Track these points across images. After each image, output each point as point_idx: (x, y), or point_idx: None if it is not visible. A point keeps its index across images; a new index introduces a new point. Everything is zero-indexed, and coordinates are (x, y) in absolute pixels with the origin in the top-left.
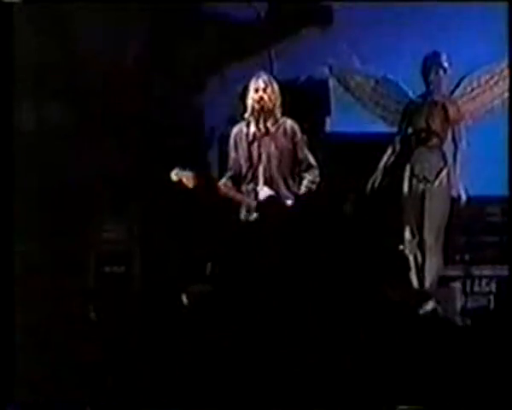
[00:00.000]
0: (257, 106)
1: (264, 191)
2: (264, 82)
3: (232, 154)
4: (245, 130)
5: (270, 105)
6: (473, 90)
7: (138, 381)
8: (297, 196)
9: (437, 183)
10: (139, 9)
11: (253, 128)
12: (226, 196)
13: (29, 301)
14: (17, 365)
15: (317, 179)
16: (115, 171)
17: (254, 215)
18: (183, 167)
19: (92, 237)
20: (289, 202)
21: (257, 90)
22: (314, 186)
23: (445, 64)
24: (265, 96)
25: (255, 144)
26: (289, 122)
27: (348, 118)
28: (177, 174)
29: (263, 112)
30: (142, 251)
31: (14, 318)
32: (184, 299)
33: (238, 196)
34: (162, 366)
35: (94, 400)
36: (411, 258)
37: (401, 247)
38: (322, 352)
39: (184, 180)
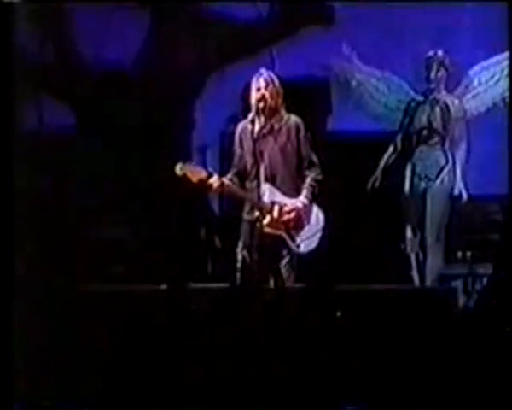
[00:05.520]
0: (259, 104)
1: (268, 189)
2: (266, 80)
3: (237, 150)
4: (250, 127)
5: (273, 103)
6: (474, 88)
7: (137, 381)
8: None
9: (438, 181)
10: (139, 8)
11: (257, 125)
12: (229, 193)
13: (28, 302)
14: (16, 365)
15: (320, 177)
16: (117, 170)
17: (259, 213)
18: (188, 162)
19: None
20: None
21: (258, 89)
22: (317, 185)
23: (447, 62)
24: (267, 94)
25: (260, 142)
26: (294, 119)
27: (349, 116)
28: (181, 168)
29: (266, 110)
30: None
31: (12, 318)
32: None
33: (241, 193)
34: (161, 368)
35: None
36: (413, 256)
37: (402, 245)
38: (323, 352)
39: (189, 174)
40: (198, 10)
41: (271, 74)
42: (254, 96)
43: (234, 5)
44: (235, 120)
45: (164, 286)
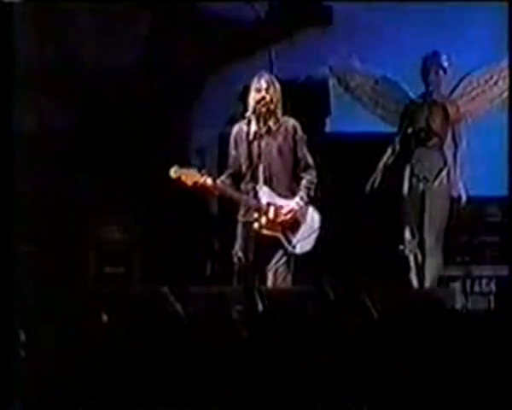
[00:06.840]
0: (259, 106)
1: (264, 191)
2: (267, 82)
3: (232, 152)
4: (245, 128)
5: (272, 106)
6: (472, 90)
7: (137, 383)
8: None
9: (437, 183)
10: (139, 8)
11: (253, 127)
12: (224, 195)
13: (28, 301)
14: (16, 366)
15: (315, 180)
16: (115, 172)
17: (255, 215)
18: (182, 165)
19: (92, 238)
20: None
21: (259, 91)
22: (312, 187)
23: (445, 64)
24: (267, 97)
25: (256, 143)
26: (291, 121)
27: (348, 118)
28: (176, 171)
29: (265, 112)
30: (142, 251)
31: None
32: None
33: (236, 195)
34: (161, 369)
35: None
36: (411, 258)
37: (401, 247)
38: (323, 353)
39: (183, 177)
40: (197, 11)
41: (272, 76)
42: (254, 97)
43: (233, 6)
44: (233, 121)
45: (161, 288)
